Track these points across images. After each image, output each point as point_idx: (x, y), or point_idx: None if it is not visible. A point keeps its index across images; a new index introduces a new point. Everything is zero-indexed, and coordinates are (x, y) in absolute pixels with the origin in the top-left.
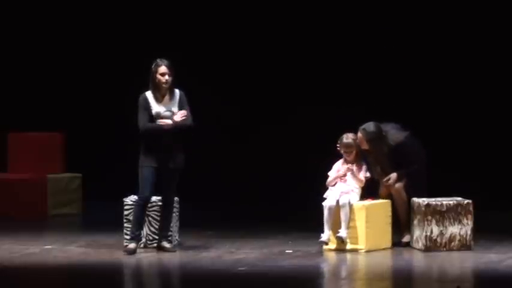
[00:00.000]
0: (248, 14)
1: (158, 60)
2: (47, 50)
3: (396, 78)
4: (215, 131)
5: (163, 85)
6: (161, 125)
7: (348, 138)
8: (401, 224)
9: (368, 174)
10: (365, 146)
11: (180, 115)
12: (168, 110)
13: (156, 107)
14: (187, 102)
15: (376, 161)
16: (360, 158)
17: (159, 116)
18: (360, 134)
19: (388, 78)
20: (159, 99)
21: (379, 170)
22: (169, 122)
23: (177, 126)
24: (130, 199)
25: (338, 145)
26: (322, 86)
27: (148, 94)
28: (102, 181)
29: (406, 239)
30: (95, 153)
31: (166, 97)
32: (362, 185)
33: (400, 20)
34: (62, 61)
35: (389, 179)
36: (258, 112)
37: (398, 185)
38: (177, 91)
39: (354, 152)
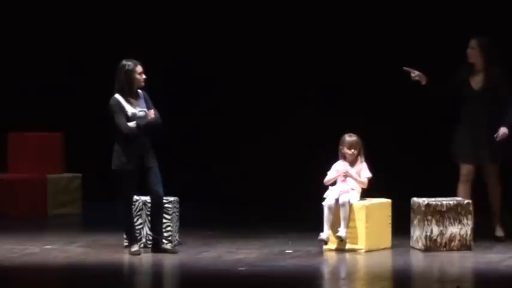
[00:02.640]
0: (248, 15)
1: (131, 62)
2: (46, 51)
3: (396, 80)
4: (215, 131)
5: (142, 84)
6: (142, 125)
7: (351, 136)
8: (494, 215)
9: (370, 174)
10: (474, 57)
11: (152, 113)
12: (141, 110)
13: (130, 109)
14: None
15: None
16: (361, 158)
17: (135, 116)
18: (473, 43)
19: (387, 80)
20: (130, 101)
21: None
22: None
23: (152, 123)
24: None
25: (340, 146)
26: (322, 86)
27: (118, 97)
28: (102, 181)
29: (499, 232)
30: (95, 153)
31: (134, 97)
32: (365, 186)
33: (397, 22)
34: (62, 61)
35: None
36: (258, 113)
37: (494, 177)
38: (139, 91)
39: (357, 152)
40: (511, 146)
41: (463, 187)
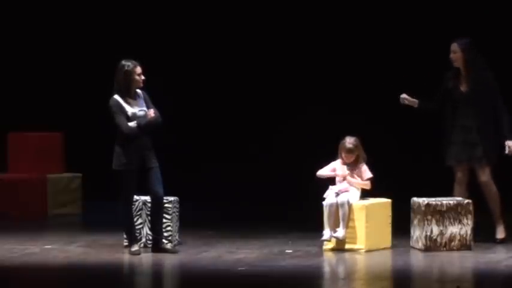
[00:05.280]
0: (249, 15)
1: (130, 62)
2: (46, 51)
3: (396, 81)
4: (215, 131)
5: (141, 85)
6: (142, 125)
7: (350, 143)
8: (495, 217)
9: (371, 175)
10: (458, 61)
11: (152, 112)
12: (141, 110)
13: (129, 109)
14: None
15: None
16: (361, 161)
17: (135, 116)
18: (454, 47)
19: (387, 81)
20: (128, 101)
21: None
22: (152, 114)
23: (152, 123)
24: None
25: (339, 148)
26: (322, 88)
27: (117, 97)
28: (102, 181)
29: (500, 234)
30: (95, 153)
31: (133, 97)
32: (368, 187)
33: (399, 25)
34: (62, 61)
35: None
36: (258, 113)
37: (486, 177)
38: (138, 91)
39: (354, 157)
40: (499, 147)
41: (458, 189)
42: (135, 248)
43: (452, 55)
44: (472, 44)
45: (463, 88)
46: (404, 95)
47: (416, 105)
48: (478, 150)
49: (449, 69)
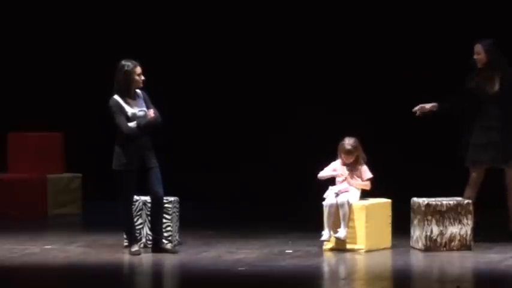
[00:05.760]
0: (249, 14)
1: (130, 62)
2: (46, 50)
3: (397, 81)
4: (215, 131)
5: (140, 85)
6: (142, 125)
7: (349, 144)
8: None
9: (371, 175)
10: (482, 62)
11: (152, 112)
12: (141, 110)
13: (129, 109)
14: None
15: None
16: (361, 161)
17: (135, 116)
18: (478, 48)
19: (388, 80)
20: (128, 101)
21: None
22: (152, 114)
23: (152, 123)
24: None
25: (338, 149)
26: (321, 88)
27: (117, 98)
28: (102, 181)
29: None
30: (95, 153)
31: (132, 97)
32: (368, 187)
33: (397, 22)
34: (62, 61)
35: None
36: (258, 113)
37: None
38: (138, 91)
39: (354, 157)
40: None
41: (469, 191)
42: (135, 248)
43: (476, 56)
44: (496, 44)
45: (488, 89)
46: (419, 106)
47: (436, 109)
48: (504, 150)
49: (472, 69)
